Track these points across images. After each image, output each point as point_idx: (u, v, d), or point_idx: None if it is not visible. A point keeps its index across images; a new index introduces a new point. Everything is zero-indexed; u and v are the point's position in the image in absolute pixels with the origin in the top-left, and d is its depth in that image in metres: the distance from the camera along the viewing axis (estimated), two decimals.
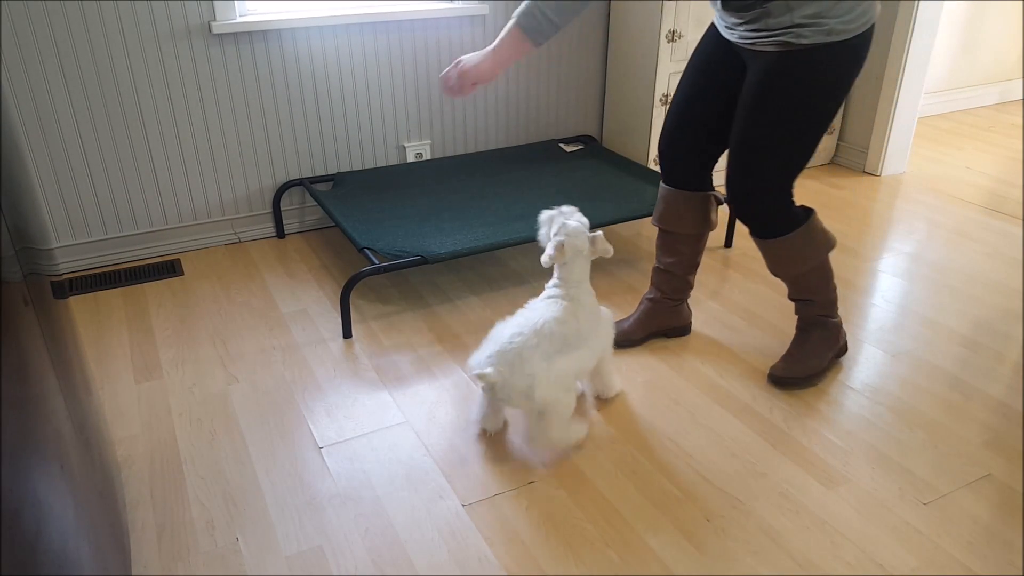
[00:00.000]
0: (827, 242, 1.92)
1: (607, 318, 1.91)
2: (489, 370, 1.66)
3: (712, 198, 2.06)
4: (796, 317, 2.10)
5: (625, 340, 2.21)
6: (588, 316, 1.80)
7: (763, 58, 1.70)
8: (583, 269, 1.80)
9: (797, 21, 1.62)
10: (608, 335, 1.90)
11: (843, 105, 3.56)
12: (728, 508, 1.64)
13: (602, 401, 1.99)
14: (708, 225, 2.08)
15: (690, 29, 2.99)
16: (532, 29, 1.69)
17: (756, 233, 1.90)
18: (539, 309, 1.76)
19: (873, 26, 1.67)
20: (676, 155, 2.01)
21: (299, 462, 1.78)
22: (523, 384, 1.66)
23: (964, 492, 1.69)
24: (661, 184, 2.09)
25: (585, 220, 1.81)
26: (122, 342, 2.26)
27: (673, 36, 2.97)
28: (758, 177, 1.80)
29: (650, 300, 2.23)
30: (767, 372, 2.07)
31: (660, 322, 2.23)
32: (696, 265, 2.16)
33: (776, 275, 1.97)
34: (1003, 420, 1.92)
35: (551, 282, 1.83)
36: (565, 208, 1.83)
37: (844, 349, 2.13)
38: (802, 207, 1.90)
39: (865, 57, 1.70)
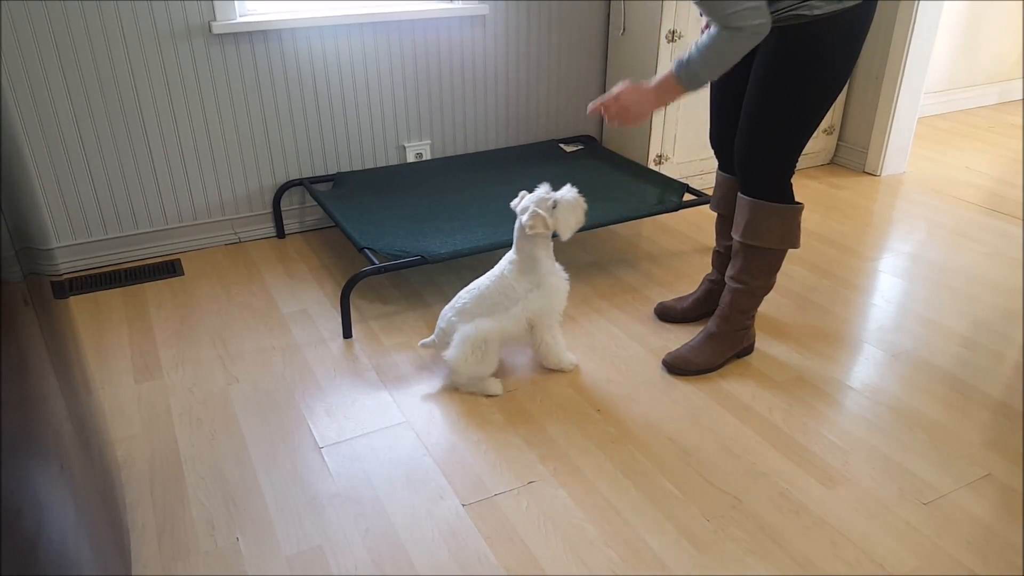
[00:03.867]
0: (796, 236, 1.96)
1: (549, 287, 1.99)
2: (429, 339, 2.08)
3: None
4: (719, 305, 2.11)
5: (682, 319, 2.33)
6: (527, 280, 1.98)
7: (777, 33, 1.73)
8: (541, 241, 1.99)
9: None
10: (544, 303, 1.99)
11: (844, 103, 3.56)
12: (728, 508, 1.64)
13: (602, 401, 1.99)
14: None
15: (690, 29, 2.99)
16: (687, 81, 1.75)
17: (751, 191, 1.92)
18: (494, 269, 2.03)
19: None
20: (726, 147, 2.11)
21: (299, 462, 1.79)
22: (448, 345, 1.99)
23: (964, 492, 1.69)
24: (717, 171, 2.19)
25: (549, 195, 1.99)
26: (122, 342, 2.26)
27: (673, 36, 2.97)
28: (769, 146, 1.85)
29: (711, 281, 2.32)
30: (666, 355, 2.12)
31: (718, 302, 2.27)
32: None
33: (741, 237, 1.96)
34: (1003, 420, 1.92)
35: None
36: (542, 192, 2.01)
37: (749, 349, 2.19)
38: (796, 200, 1.95)
39: (872, 17, 1.74)
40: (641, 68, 3.09)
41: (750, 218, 1.94)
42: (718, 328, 2.09)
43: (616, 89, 1.82)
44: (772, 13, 1.70)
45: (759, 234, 1.94)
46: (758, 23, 1.61)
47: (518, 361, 2.16)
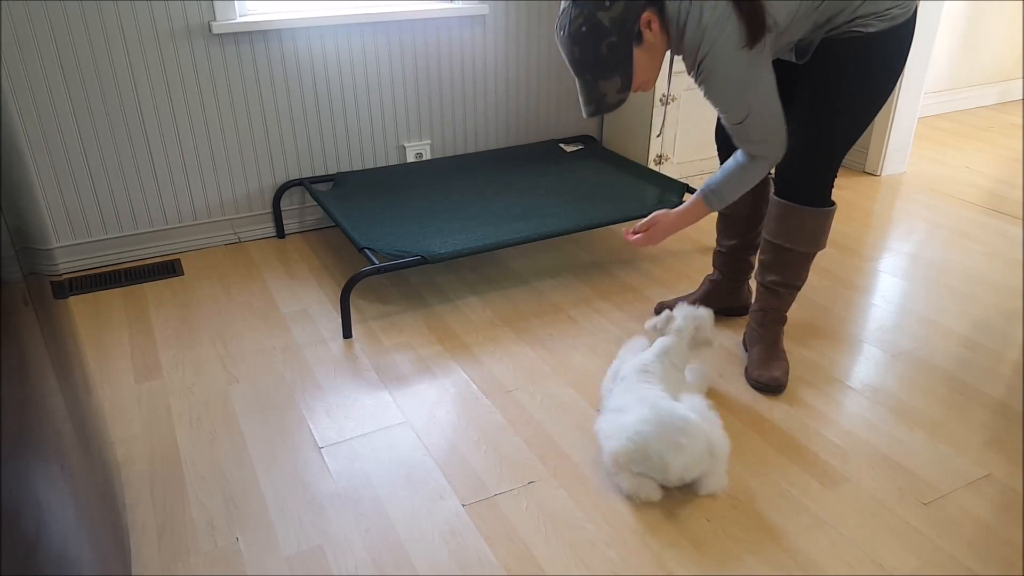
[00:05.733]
0: (826, 238, 1.97)
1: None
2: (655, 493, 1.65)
3: (767, 179, 2.11)
4: (756, 314, 2.09)
5: None
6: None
7: (830, 47, 1.75)
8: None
9: (861, 13, 1.70)
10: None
11: None
12: (728, 508, 1.64)
13: (601, 400, 1.99)
14: (765, 205, 2.14)
15: None
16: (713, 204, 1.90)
17: (790, 197, 1.91)
18: (646, 398, 1.71)
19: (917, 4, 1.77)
20: (732, 145, 2.08)
21: (299, 462, 1.79)
22: (694, 461, 1.62)
23: (964, 492, 1.69)
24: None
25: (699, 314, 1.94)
26: (122, 342, 2.26)
27: None
28: (816, 156, 1.86)
29: (712, 281, 2.31)
30: (754, 381, 2.04)
31: (719, 302, 2.31)
32: (755, 247, 2.22)
33: (781, 241, 1.96)
34: (1003, 420, 1.92)
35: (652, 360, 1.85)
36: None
37: None
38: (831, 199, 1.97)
39: (914, 33, 1.79)
40: None
41: (790, 225, 1.93)
42: (778, 332, 2.08)
43: (651, 217, 1.96)
44: (827, 32, 1.73)
45: (800, 239, 1.93)
46: (778, 156, 1.78)
47: (517, 360, 2.16)
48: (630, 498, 1.65)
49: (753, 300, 2.12)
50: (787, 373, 2.05)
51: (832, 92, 1.78)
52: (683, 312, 1.91)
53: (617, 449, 1.63)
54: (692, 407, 1.69)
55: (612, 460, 1.65)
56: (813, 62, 1.79)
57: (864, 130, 1.86)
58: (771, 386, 2.00)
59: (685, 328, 1.88)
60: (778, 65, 1.93)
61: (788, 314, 2.09)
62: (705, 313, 1.93)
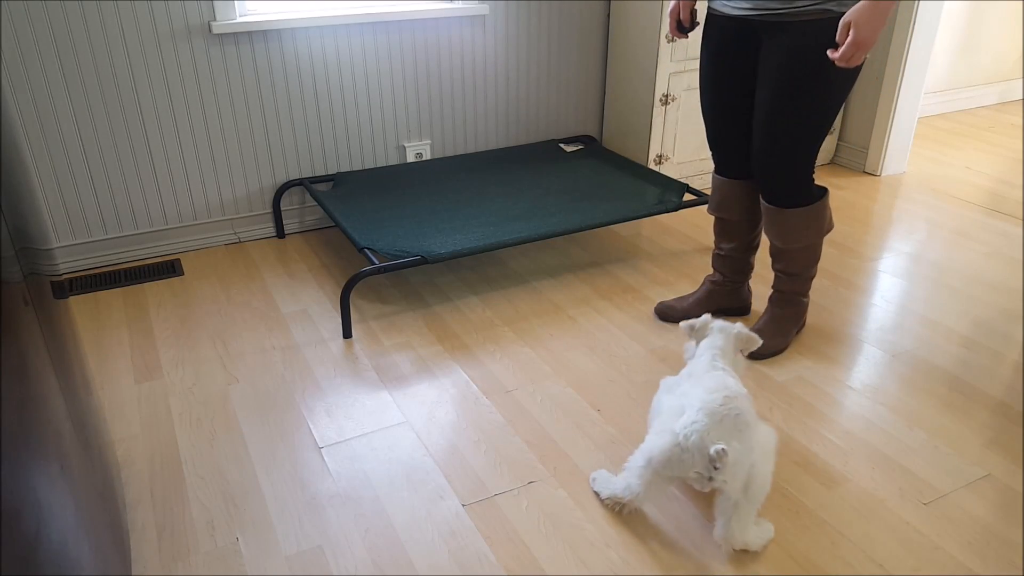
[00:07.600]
0: (829, 224, 1.99)
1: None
2: (722, 446, 1.38)
3: (756, 184, 2.13)
4: (772, 291, 2.17)
5: (683, 318, 2.33)
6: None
7: (796, 28, 1.73)
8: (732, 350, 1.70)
9: None
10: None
11: (844, 103, 3.56)
12: None
13: (602, 401, 1.99)
14: (759, 207, 2.16)
15: None
16: None
17: (775, 201, 1.94)
18: (715, 377, 1.56)
19: None
20: (724, 148, 2.12)
21: (299, 462, 1.79)
22: (747, 457, 1.45)
23: (964, 492, 1.69)
24: (714, 174, 2.20)
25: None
26: (122, 342, 2.26)
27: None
28: (789, 148, 1.86)
29: (712, 282, 2.33)
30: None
31: (719, 302, 2.33)
32: (754, 248, 2.25)
33: (776, 242, 2.01)
34: (1003, 420, 1.92)
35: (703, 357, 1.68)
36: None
37: (803, 325, 2.24)
38: (818, 185, 1.98)
39: None
40: (641, 68, 3.08)
41: (783, 228, 1.96)
42: (783, 311, 2.13)
43: (847, 23, 1.63)
44: (790, 5, 1.71)
45: (798, 237, 1.97)
46: None
47: (517, 360, 2.16)
48: (610, 499, 1.62)
49: None
50: (781, 349, 2.10)
51: (797, 86, 1.77)
52: (716, 321, 1.74)
53: (662, 452, 1.47)
54: (760, 438, 1.51)
55: (647, 460, 1.50)
56: (777, 54, 1.78)
57: (832, 122, 1.85)
58: (762, 353, 2.08)
59: (729, 329, 1.70)
60: (740, 60, 1.91)
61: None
62: (738, 326, 1.74)
